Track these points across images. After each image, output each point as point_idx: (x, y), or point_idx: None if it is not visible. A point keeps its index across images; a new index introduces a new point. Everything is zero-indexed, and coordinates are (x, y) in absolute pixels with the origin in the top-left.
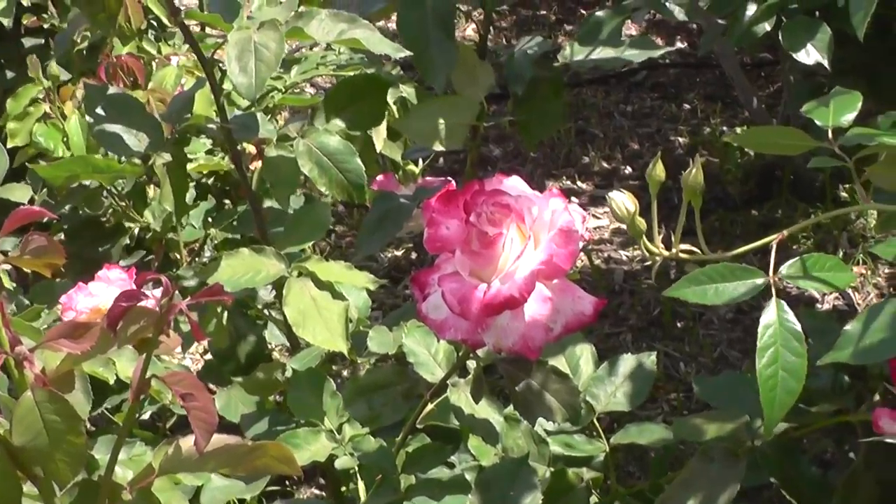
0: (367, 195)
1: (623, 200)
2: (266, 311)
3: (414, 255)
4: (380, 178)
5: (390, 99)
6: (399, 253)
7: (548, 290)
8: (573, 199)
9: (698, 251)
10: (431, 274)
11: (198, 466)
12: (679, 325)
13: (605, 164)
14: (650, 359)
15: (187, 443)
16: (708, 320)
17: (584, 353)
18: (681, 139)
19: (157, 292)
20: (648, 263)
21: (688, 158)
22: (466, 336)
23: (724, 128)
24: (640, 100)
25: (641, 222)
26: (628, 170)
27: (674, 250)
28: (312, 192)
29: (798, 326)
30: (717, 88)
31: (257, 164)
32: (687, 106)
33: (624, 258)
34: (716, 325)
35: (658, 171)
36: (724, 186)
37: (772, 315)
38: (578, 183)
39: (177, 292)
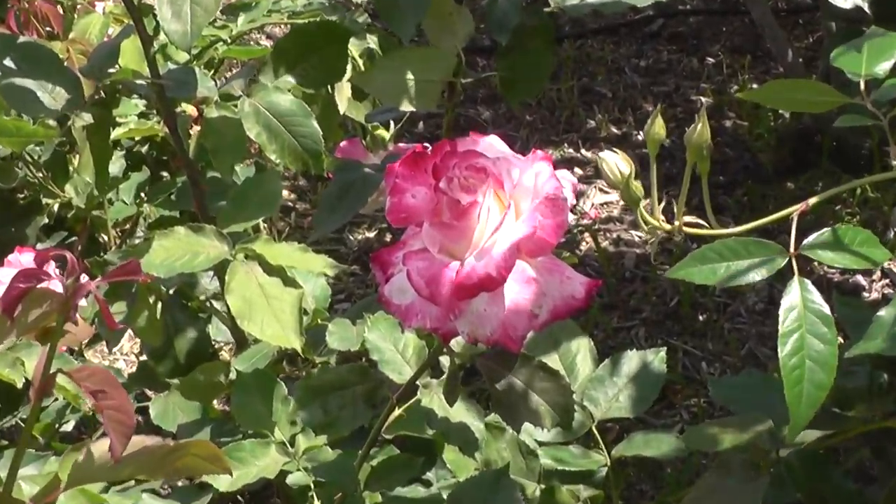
0: (327, 164)
1: (615, 161)
2: (210, 303)
3: (389, 237)
4: (343, 143)
5: (356, 51)
6: (371, 234)
7: (531, 269)
8: (577, 169)
9: (705, 224)
10: (395, 251)
11: (113, 474)
12: (701, 317)
13: (613, 129)
14: (658, 356)
15: (100, 448)
16: (734, 312)
17: (582, 349)
18: (703, 99)
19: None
20: (667, 245)
21: (711, 122)
22: (436, 324)
23: (754, 85)
24: (655, 53)
25: (637, 188)
26: (641, 135)
27: (676, 223)
28: (267, 162)
29: (826, 308)
30: (745, 39)
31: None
32: (710, 60)
33: (636, 239)
34: (743, 318)
35: (657, 128)
36: (755, 154)
37: (794, 296)
38: (583, 151)
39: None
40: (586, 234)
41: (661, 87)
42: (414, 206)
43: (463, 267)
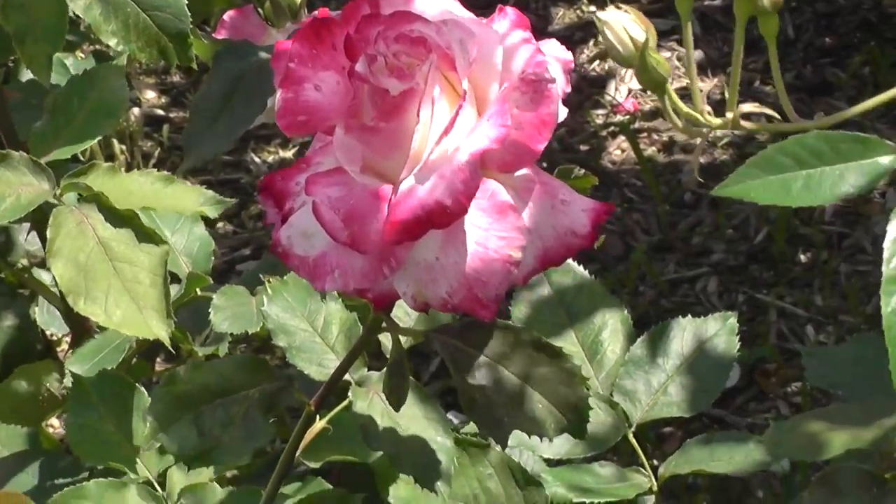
0: (202, 50)
1: (622, 23)
2: (32, 273)
3: None
4: (229, 15)
5: None
6: (287, 153)
7: (506, 190)
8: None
9: (774, 115)
10: (295, 175)
11: None
12: (803, 257)
13: None
14: (728, 323)
15: None
16: (854, 247)
17: (610, 321)
18: None
19: None
20: (747, 150)
21: None
22: (363, 283)
23: None
24: None
25: (660, 62)
26: None
27: (728, 115)
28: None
29: None
30: None
31: None
32: None
33: (698, 142)
34: (869, 255)
35: None
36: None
37: None
38: (611, 7)
39: None
40: (620, 137)
41: None
42: (319, 104)
43: (399, 193)
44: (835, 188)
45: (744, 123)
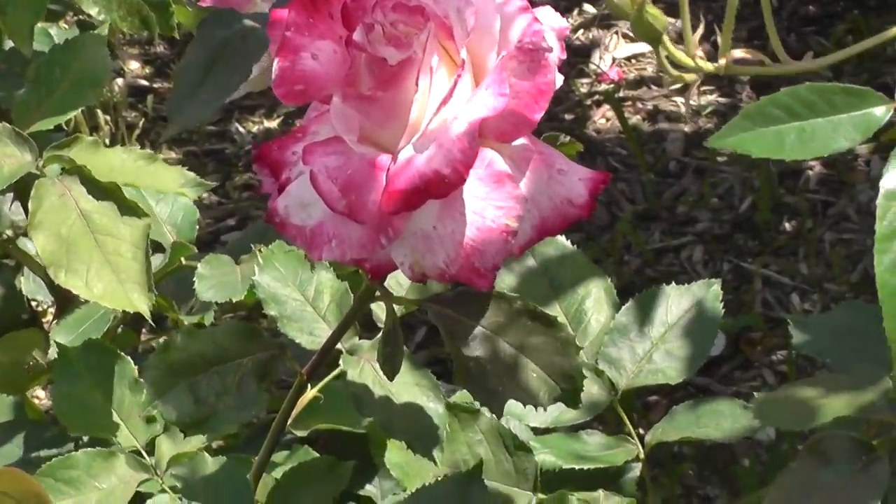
0: (187, 18)
1: None
2: (15, 243)
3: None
4: None
5: None
6: (272, 123)
7: (503, 160)
8: (587, 6)
9: (766, 60)
10: (291, 144)
11: None
12: (787, 225)
13: None
14: (711, 290)
15: None
16: (839, 215)
17: (594, 290)
18: None
19: None
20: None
21: None
22: (360, 252)
23: None
24: None
25: (657, 15)
26: None
27: (721, 61)
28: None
29: None
30: None
31: None
32: None
33: (684, 109)
34: (853, 224)
35: None
36: None
37: None
38: None
39: None
40: (605, 106)
41: None
42: (316, 72)
43: (397, 162)
44: (829, 141)
45: (735, 67)
